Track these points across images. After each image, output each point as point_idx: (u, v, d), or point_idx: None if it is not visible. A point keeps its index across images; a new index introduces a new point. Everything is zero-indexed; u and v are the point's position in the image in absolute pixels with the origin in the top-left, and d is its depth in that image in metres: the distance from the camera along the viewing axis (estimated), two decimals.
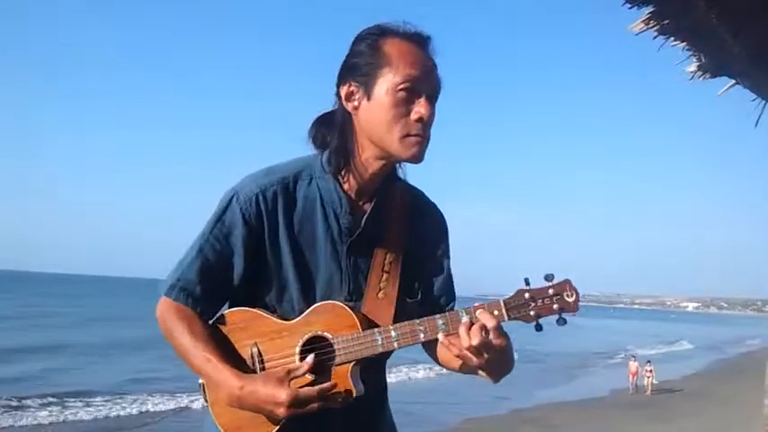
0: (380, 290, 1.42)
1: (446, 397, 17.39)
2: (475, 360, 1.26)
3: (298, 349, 1.36)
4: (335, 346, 1.35)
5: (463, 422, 13.75)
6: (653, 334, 58.06)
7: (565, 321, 1.29)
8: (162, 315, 1.44)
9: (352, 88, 1.38)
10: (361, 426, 1.46)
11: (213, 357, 1.36)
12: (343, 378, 1.34)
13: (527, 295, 1.30)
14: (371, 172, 1.42)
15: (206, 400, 1.45)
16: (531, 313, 1.29)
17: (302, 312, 1.40)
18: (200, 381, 1.44)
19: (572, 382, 21.42)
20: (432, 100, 1.36)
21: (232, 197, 1.42)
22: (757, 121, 4.01)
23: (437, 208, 1.60)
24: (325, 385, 1.31)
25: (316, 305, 1.39)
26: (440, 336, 1.30)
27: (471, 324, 1.26)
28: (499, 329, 1.25)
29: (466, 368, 1.38)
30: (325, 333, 1.36)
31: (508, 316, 1.29)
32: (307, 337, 1.37)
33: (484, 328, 1.24)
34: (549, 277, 1.29)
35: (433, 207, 1.59)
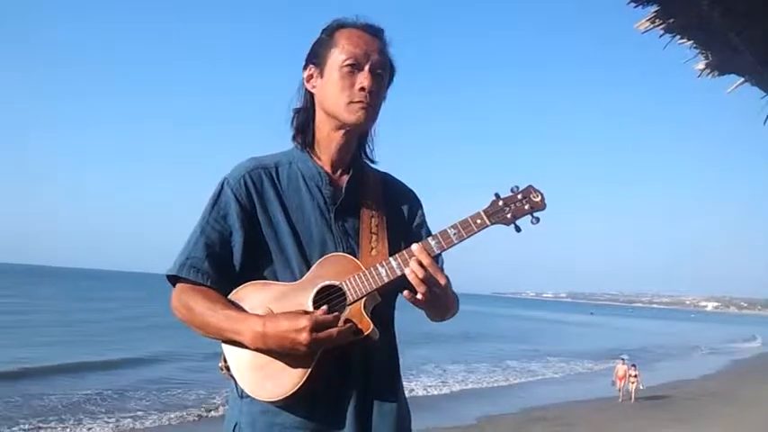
0: (372, 248, 1.54)
1: (456, 395, 17.41)
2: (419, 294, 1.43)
3: (310, 301, 1.45)
4: (345, 288, 1.45)
5: (477, 420, 13.74)
6: (667, 333, 57.36)
7: (538, 220, 1.48)
8: (177, 296, 1.52)
9: (311, 71, 1.59)
10: (376, 374, 1.54)
11: (232, 313, 1.45)
12: (358, 314, 1.44)
13: (500, 203, 1.48)
14: (336, 144, 1.59)
15: (236, 388, 1.51)
16: (508, 216, 1.47)
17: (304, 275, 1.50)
18: (221, 364, 1.51)
19: (589, 381, 21.24)
20: (375, 73, 1.53)
21: (223, 183, 1.57)
22: (766, 119, 4.00)
23: (407, 186, 1.76)
24: (339, 314, 1.41)
25: (318, 261, 1.49)
26: (437, 251, 1.46)
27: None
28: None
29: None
30: (334, 281, 1.46)
31: (489, 221, 1.46)
32: (317, 288, 1.46)
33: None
34: (514, 188, 1.49)
35: (403, 184, 1.76)
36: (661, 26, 3.31)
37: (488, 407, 15.25)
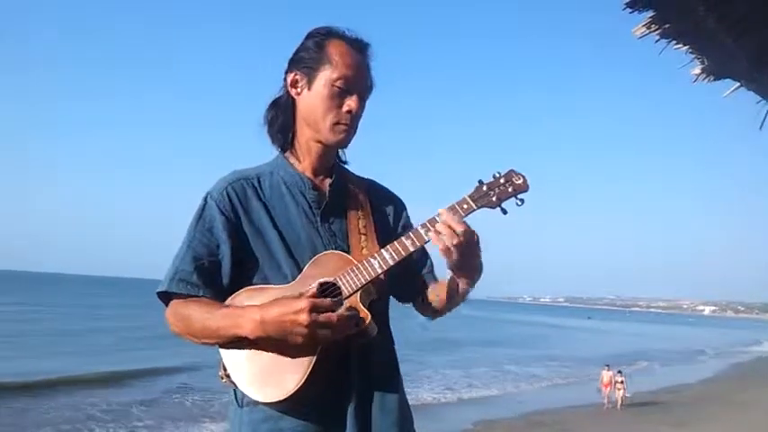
0: (363, 247, 1.56)
1: (453, 399, 17.39)
2: (455, 253, 1.42)
3: None
4: (339, 283, 1.46)
5: (474, 425, 13.73)
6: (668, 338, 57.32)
7: (522, 201, 1.51)
8: (171, 311, 1.52)
9: (297, 77, 1.59)
10: (376, 372, 1.55)
11: (228, 311, 1.46)
12: (355, 306, 1.45)
13: (484, 188, 1.50)
14: (316, 153, 1.62)
15: (235, 397, 1.52)
16: (494, 199, 1.49)
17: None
18: (221, 373, 1.50)
19: (587, 386, 21.23)
20: (361, 97, 1.57)
21: (206, 197, 1.59)
22: (762, 124, 4.02)
23: (391, 190, 1.78)
24: (339, 298, 1.43)
25: (311, 260, 1.50)
26: (428, 236, 1.46)
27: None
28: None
29: (452, 284, 1.57)
30: (328, 278, 1.47)
31: (476, 205, 1.49)
32: (312, 287, 1.46)
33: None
34: (495, 174, 1.52)
35: (387, 188, 1.78)
36: (657, 31, 3.32)
37: (486, 412, 15.25)
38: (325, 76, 1.53)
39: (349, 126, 1.56)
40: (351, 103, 1.54)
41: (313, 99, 1.55)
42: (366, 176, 1.76)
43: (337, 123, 1.55)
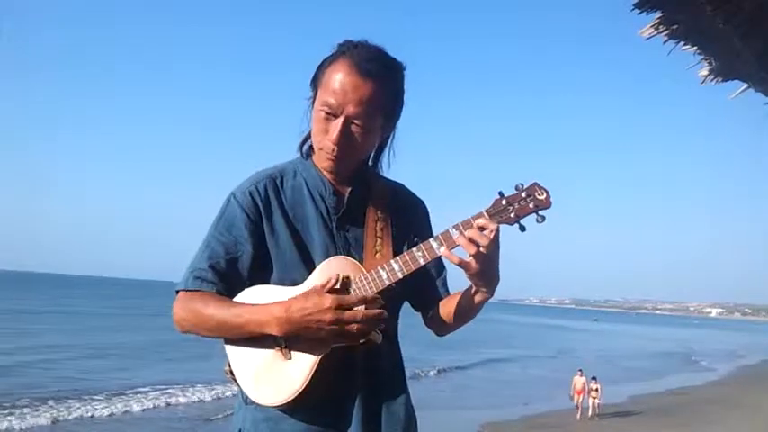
0: (377, 252, 1.53)
1: (460, 402, 17.37)
2: (474, 262, 1.39)
3: None
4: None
5: (481, 427, 13.71)
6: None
7: (543, 218, 1.42)
8: (180, 305, 1.49)
9: (312, 93, 1.58)
10: (381, 379, 1.53)
11: (248, 307, 1.44)
12: None
13: (504, 202, 1.43)
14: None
15: (241, 394, 1.51)
16: (512, 215, 1.42)
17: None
18: (226, 368, 1.50)
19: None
20: (348, 124, 1.48)
21: (229, 197, 1.58)
22: None
23: (417, 196, 1.74)
24: (366, 294, 1.40)
25: (321, 264, 1.48)
26: (440, 251, 1.42)
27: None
28: (491, 229, 1.40)
29: (468, 294, 1.53)
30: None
31: (492, 221, 1.41)
32: (332, 279, 1.43)
33: (480, 227, 1.40)
34: (518, 186, 1.43)
35: (413, 194, 1.74)
36: (665, 32, 3.31)
37: (492, 415, 15.20)
38: (318, 99, 1.51)
39: (331, 155, 1.52)
40: (332, 131, 1.48)
41: (312, 119, 1.55)
42: (396, 180, 1.72)
43: (321, 149, 1.53)
